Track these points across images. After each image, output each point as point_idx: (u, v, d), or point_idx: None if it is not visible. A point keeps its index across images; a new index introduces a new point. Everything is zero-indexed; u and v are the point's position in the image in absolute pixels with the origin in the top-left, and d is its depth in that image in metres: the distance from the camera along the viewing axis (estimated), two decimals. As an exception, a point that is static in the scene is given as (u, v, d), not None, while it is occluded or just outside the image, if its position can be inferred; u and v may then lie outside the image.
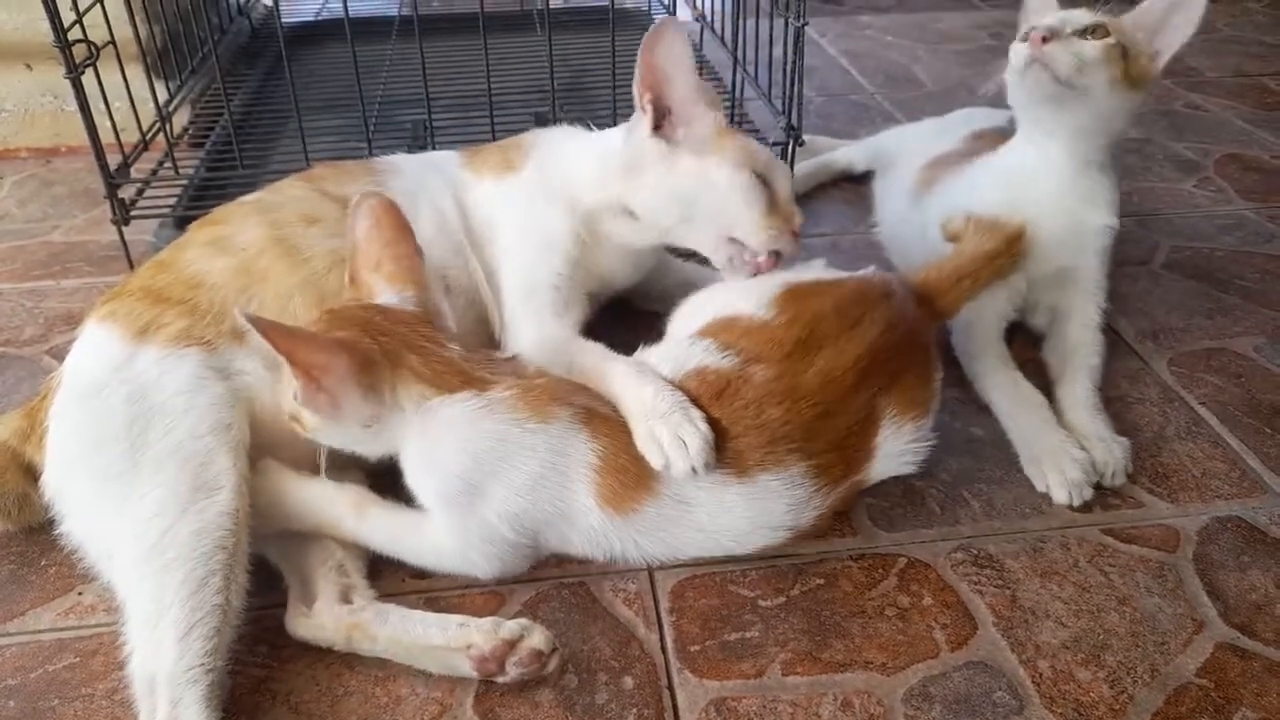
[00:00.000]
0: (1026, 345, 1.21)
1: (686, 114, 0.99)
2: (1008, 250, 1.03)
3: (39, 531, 0.91)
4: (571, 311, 1.02)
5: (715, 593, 0.87)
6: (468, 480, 0.80)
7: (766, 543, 0.86)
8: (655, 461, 0.81)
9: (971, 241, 1.04)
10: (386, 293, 0.85)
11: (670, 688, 0.79)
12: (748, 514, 0.84)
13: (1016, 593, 0.87)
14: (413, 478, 0.83)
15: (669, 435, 0.81)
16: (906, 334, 0.92)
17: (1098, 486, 0.97)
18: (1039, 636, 0.83)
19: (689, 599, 0.87)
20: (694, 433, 0.81)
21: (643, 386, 0.85)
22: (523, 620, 0.79)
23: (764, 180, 0.99)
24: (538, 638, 0.78)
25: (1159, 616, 0.85)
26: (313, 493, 0.86)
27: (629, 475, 0.82)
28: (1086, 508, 0.96)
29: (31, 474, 0.88)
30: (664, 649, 0.83)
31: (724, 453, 0.83)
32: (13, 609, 0.87)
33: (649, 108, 0.99)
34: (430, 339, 0.83)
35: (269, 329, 0.75)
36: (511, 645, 0.77)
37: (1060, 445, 0.98)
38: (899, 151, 1.46)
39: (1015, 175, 1.12)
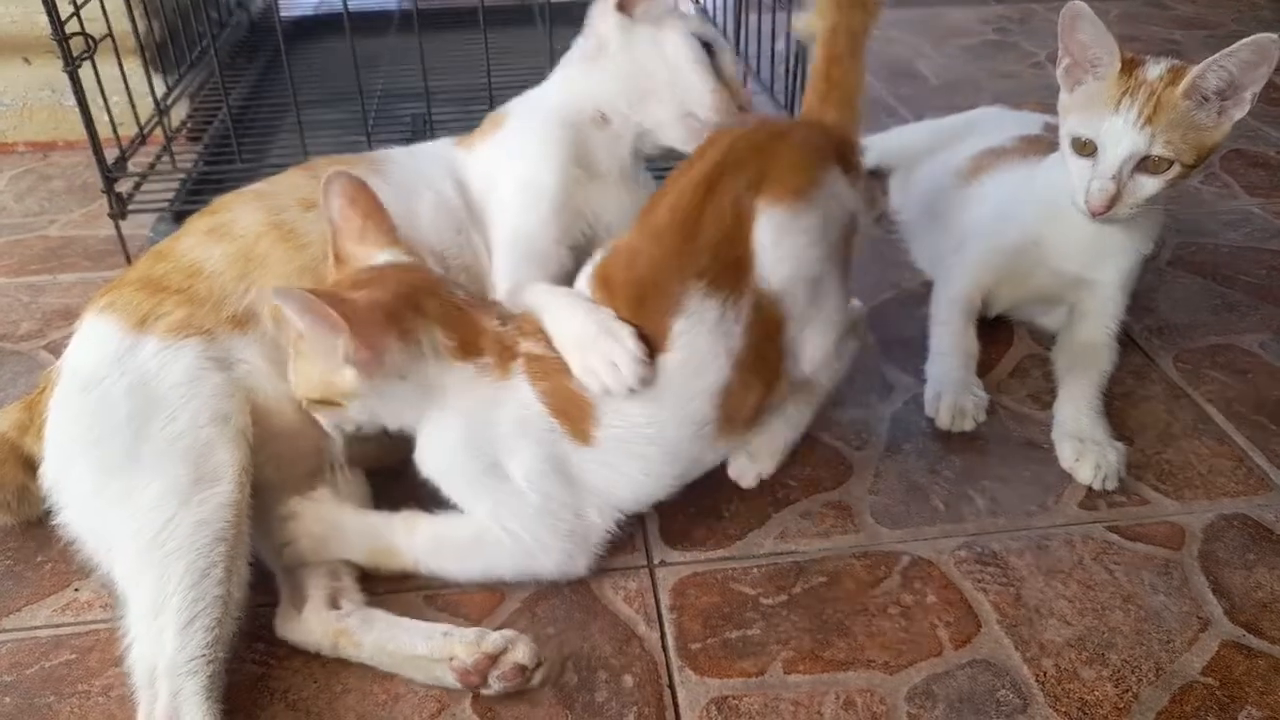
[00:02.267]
0: (1036, 341, 1.20)
1: None
2: (831, 11, 0.95)
3: (35, 527, 0.91)
4: (548, 264, 1.02)
5: (716, 590, 0.87)
6: (473, 457, 0.81)
7: (717, 382, 0.83)
8: (595, 389, 0.81)
9: (816, 34, 0.98)
10: (381, 256, 0.86)
11: (671, 686, 0.79)
12: (683, 367, 0.83)
13: (1021, 590, 0.86)
14: (434, 471, 0.83)
15: (601, 361, 0.81)
16: (769, 137, 0.89)
17: (1089, 490, 0.97)
18: (1043, 635, 0.82)
19: (690, 596, 0.86)
20: (622, 352, 0.81)
21: (572, 318, 0.85)
22: (507, 632, 0.78)
23: (711, 52, 1.03)
24: (521, 651, 0.76)
25: (1164, 614, 0.84)
26: (371, 518, 0.86)
27: (575, 408, 0.83)
28: (1092, 505, 0.96)
29: (31, 467, 0.87)
30: (665, 647, 0.82)
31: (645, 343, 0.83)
32: (9, 605, 0.86)
33: None
34: (438, 284, 0.84)
35: (314, 302, 0.74)
36: (494, 659, 0.76)
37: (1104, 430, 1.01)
38: (927, 147, 1.46)
39: (1061, 184, 1.10)
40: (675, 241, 0.84)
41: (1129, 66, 1.01)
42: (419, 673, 0.79)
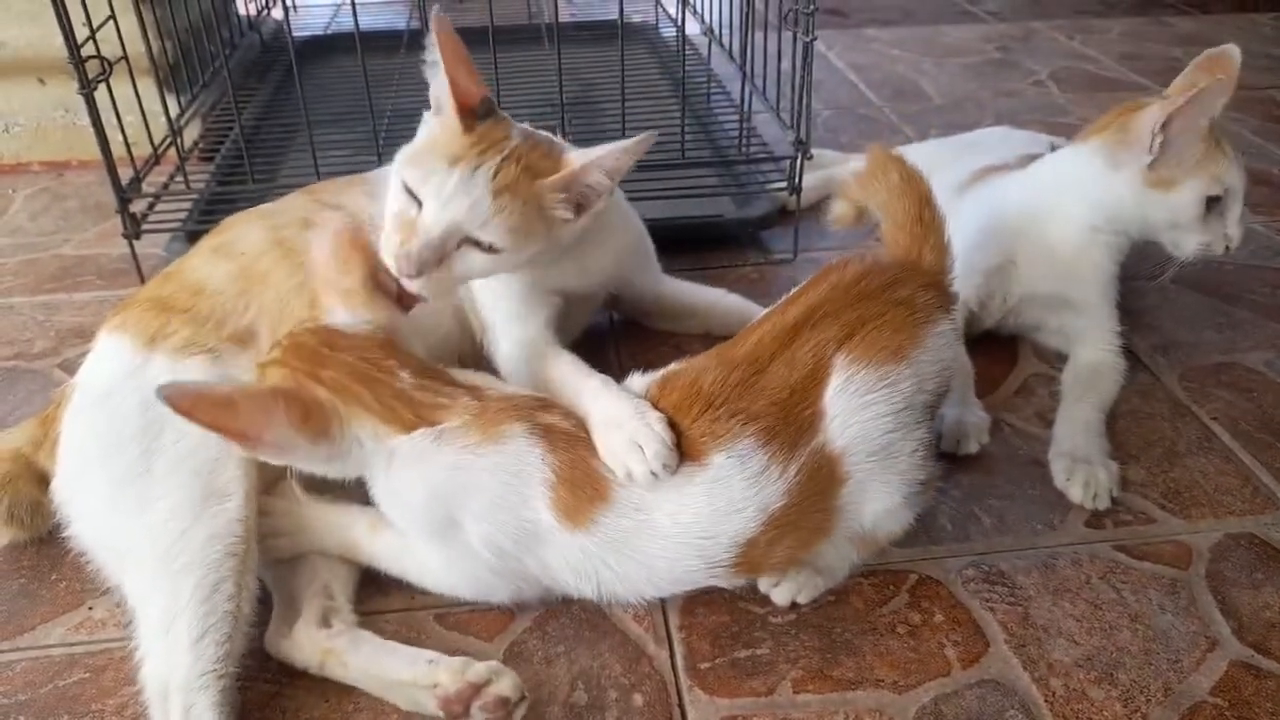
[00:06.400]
0: (1041, 360, 1.21)
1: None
2: (892, 168, 0.97)
3: (49, 546, 0.92)
4: (537, 313, 1.00)
5: (725, 609, 0.87)
6: (434, 515, 0.79)
7: (741, 533, 0.79)
8: (617, 471, 0.79)
9: (881, 196, 0.96)
10: (340, 314, 0.82)
11: (681, 705, 0.79)
12: (709, 502, 0.79)
13: (1028, 610, 0.87)
14: (387, 514, 0.82)
15: (625, 442, 0.79)
16: (877, 287, 0.84)
17: (1095, 509, 0.97)
18: (1051, 654, 0.83)
19: (699, 615, 0.86)
20: (650, 436, 0.78)
21: (603, 397, 0.83)
22: (492, 663, 0.77)
23: (418, 189, 0.85)
24: (505, 684, 0.75)
25: (1172, 634, 0.84)
26: (336, 513, 0.87)
27: (585, 487, 0.79)
28: (1099, 523, 0.96)
29: (44, 482, 0.88)
30: (674, 666, 0.82)
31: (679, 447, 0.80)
32: (23, 624, 0.87)
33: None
34: (382, 368, 0.78)
35: (192, 409, 0.70)
36: (477, 689, 0.75)
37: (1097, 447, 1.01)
38: (932, 164, 1.47)
39: (1051, 186, 1.11)
40: (743, 377, 0.81)
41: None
42: (402, 699, 0.78)
